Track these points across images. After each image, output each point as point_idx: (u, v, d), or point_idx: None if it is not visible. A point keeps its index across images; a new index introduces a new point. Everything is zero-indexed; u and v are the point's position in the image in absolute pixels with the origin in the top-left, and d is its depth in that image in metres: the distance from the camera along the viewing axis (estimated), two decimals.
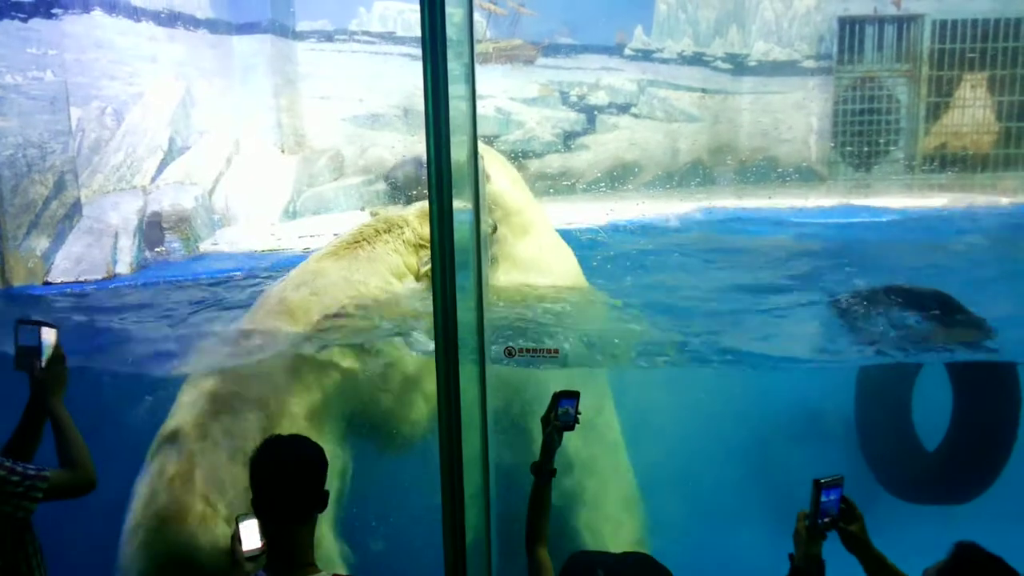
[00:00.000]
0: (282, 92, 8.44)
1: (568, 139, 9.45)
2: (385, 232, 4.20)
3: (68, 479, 2.73)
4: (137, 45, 6.56)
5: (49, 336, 2.89)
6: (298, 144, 8.63)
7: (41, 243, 5.45)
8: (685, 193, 9.09)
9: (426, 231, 3.85)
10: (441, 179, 2.82)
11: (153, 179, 6.52)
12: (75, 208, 5.75)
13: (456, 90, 2.91)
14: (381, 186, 8.72)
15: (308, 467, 2.33)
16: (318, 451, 2.38)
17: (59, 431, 2.83)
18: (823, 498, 2.35)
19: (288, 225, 7.41)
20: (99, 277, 5.49)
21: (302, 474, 2.31)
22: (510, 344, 3.25)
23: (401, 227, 4.23)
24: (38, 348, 2.87)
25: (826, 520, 2.36)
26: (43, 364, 2.87)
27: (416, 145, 8.93)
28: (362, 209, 8.26)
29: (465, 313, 3.01)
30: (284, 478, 2.28)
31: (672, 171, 9.57)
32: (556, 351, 3.23)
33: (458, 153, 2.92)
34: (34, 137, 5.50)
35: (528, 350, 3.23)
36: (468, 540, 2.88)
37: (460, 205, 2.95)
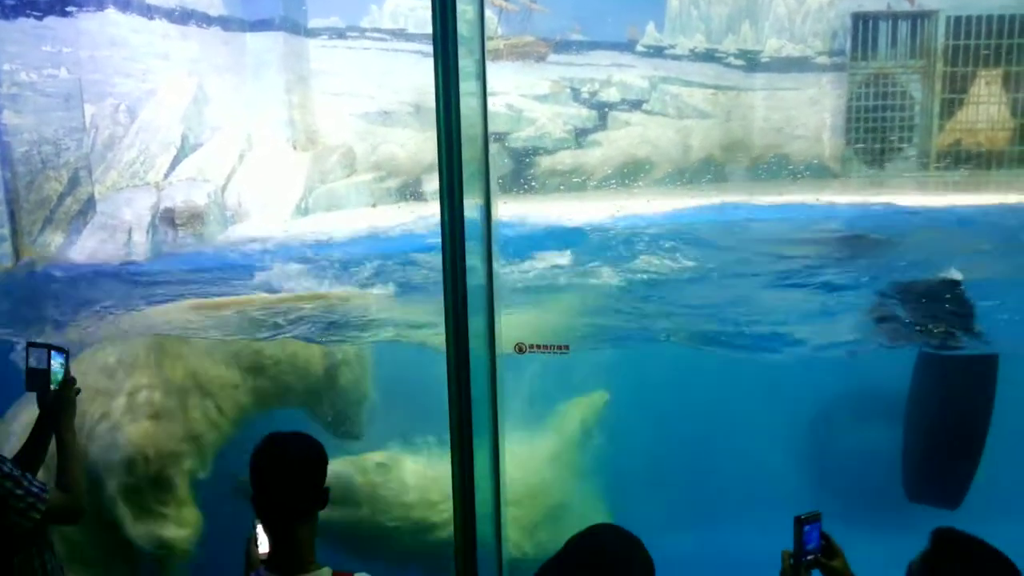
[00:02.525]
0: (294, 89, 8.46)
1: (579, 136, 9.43)
2: None
3: (63, 504, 2.70)
4: (150, 42, 6.59)
5: (59, 360, 2.91)
6: (310, 141, 8.65)
7: (56, 238, 5.50)
8: (696, 190, 9.06)
9: None
10: (452, 176, 2.83)
11: (166, 175, 6.56)
12: (89, 204, 5.80)
13: (467, 87, 2.91)
14: (392, 183, 8.75)
15: (309, 464, 2.29)
16: (318, 448, 2.33)
17: (63, 455, 2.82)
18: (804, 535, 2.34)
19: (300, 221, 7.43)
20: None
21: (303, 471, 2.28)
22: (520, 341, 3.25)
23: None
24: (47, 371, 2.88)
25: (808, 558, 2.35)
26: (52, 387, 2.88)
27: (426, 143, 8.95)
28: (373, 206, 8.29)
29: (475, 312, 3.02)
30: (285, 475, 2.25)
31: (684, 168, 9.54)
32: (567, 347, 3.22)
33: (469, 150, 2.92)
34: (49, 134, 5.55)
35: (539, 346, 3.23)
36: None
37: (470, 202, 2.95)
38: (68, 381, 2.91)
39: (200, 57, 7.30)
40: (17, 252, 5.34)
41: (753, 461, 5.03)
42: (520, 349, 3.24)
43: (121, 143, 6.21)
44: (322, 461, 2.31)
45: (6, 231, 5.34)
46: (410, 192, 8.65)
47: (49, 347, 2.90)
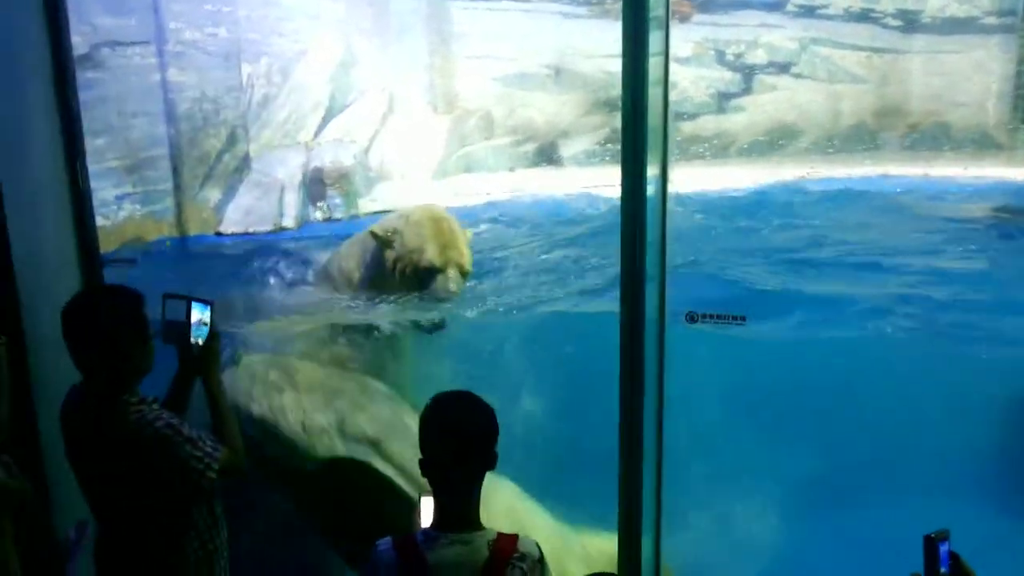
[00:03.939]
0: (436, 51, 8.45)
1: (723, 100, 9.08)
2: None
3: (231, 460, 2.74)
4: (302, 2, 6.69)
5: (202, 311, 2.89)
6: (450, 104, 8.64)
7: (214, 195, 5.68)
8: (848, 158, 8.60)
9: None
10: (636, 143, 2.71)
11: (315, 135, 6.68)
12: (245, 162, 5.96)
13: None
14: (529, 147, 8.67)
15: (487, 425, 2.30)
16: (488, 409, 2.33)
17: (217, 410, 2.84)
18: (937, 554, 2.14)
19: (440, 183, 7.46)
20: (267, 229, 5.68)
21: (483, 432, 2.28)
22: (692, 310, 3.11)
23: None
24: (187, 323, 2.86)
25: None
26: (195, 340, 2.87)
27: (564, 106, 8.82)
28: (511, 170, 8.24)
29: (650, 282, 2.91)
30: (456, 438, 2.25)
31: (833, 135, 9.07)
32: (743, 317, 3.06)
33: (652, 117, 2.79)
34: (209, 92, 5.71)
35: (713, 316, 3.08)
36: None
37: (651, 171, 2.84)
38: (214, 333, 2.91)
39: (347, 18, 7.36)
40: (179, 207, 5.55)
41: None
42: (692, 318, 3.10)
43: (275, 102, 6.35)
44: (493, 422, 2.30)
45: (169, 186, 5.54)
46: (546, 157, 8.55)
47: (189, 298, 2.86)
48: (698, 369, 3.71)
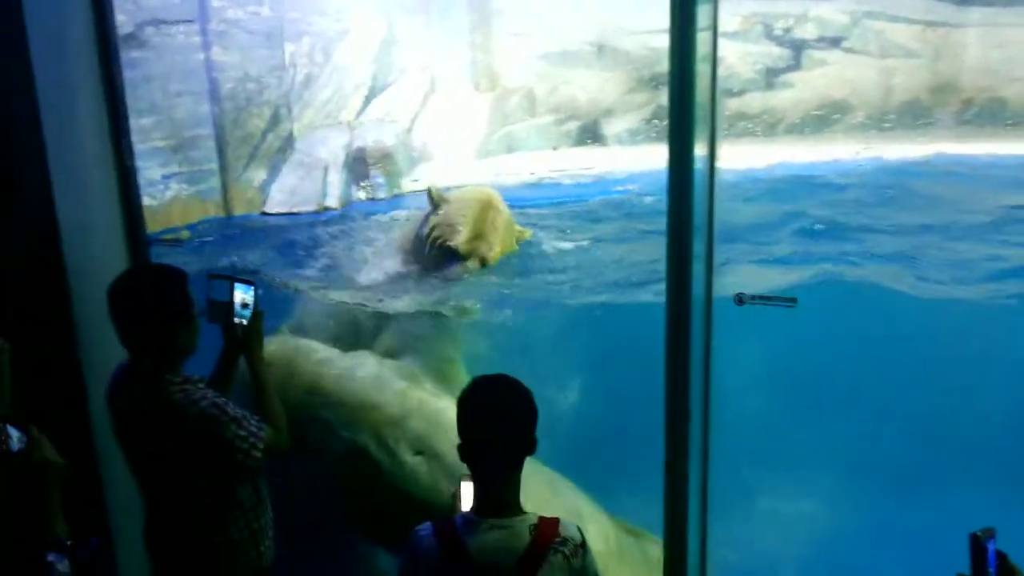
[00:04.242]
0: (477, 29, 8.38)
1: (770, 76, 8.88)
2: None
3: (274, 439, 2.74)
4: None
5: (246, 292, 2.89)
6: (491, 82, 8.58)
7: (259, 175, 5.71)
8: (901, 135, 8.36)
9: None
10: (683, 120, 2.63)
11: (358, 115, 6.67)
12: (288, 142, 5.97)
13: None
14: (572, 125, 8.57)
15: (524, 409, 2.25)
16: (528, 393, 2.29)
17: (261, 389, 2.84)
18: (985, 553, 2.04)
19: (482, 163, 7.42)
20: (311, 209, 5.70)
21: (520, 416, 2.24)
22: (741, 292, 3.03)
23: None
24: (230, 303, 2.87)
25: None
26: (238, 320, 2.88)
27: (607, 84, 8.69)
28: (554, 149, 8.16)
29: (697, 262, 2.84)
30: (496, 422, 2.22)
31: (885, 112, 8.82)
32: (794, 300, 2.96)
33: (698, 92, 2.71)
34: (252, 71, 5.72)
35: (762, 297, 2.99)
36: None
37: (698, 150, 2.75)
38: (258, 313, 2.91)
39: None
40: (225, 187, 5.58)
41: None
42: (740, 300, 3.02)
43: (317, 82, 6.35)
44: (532, 406, 2.27)
45: (214, 166, 5.58)
46: (589, 135, 8.45)
47: (232, 278, 2.88)
48: (747, 353, 3.62)
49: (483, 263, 4.50)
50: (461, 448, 2.25)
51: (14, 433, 2.18)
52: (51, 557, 2.16)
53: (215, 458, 2.62)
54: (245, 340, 2.89)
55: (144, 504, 2.83)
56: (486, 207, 4.54)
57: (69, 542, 2.19)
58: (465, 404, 2.26)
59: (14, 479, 2.17)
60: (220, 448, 2.60)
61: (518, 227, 4.89)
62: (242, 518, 2.77)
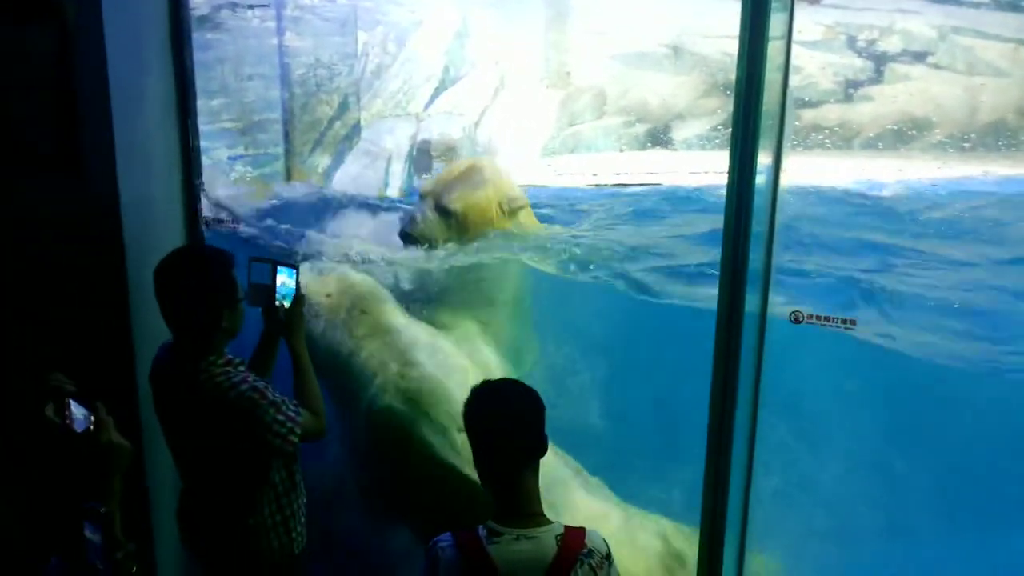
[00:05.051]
0: (552, 26, 8.32)
1: (850, 88, 8.62)
2: None
3: (312, 425, 2.77)
4: None
5: (288, 275, 2.92)
6: (562, 80, 8.51)
7: (323, 160, 5.75)
8: (984, 156, 8.04)
9: None
10: (748, 130, 2.55)
11: (425, 107, 6.68)
12: (355, 130, 6.00)
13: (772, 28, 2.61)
14: (640, 128, 8.45)
15: (527, 411, 2.27)
16: (534, 393, 2.31)
17: (301, 373, 2.88)
18: None
19: (547, 161, 7.36)
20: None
21: (522, 418, 2.25)
22: (797, 309, 2.92)
23: None
24: (272, 286, 2.90)
25: None
26: (279, 303, 2.91)
27: (680, 88, 8.55)
28: (620, 151, 8.06)
29: (752, 277, 2.75)
30: (506, 423, 2.23)
31: (968, 131, 8.48)
32: (854, 321, 2.85)
33: (768, 100, 2.62)
34: (324, 58, 5.75)
35: (820, 317, 2.88)
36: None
37: (762, 160, 2.67)
38: (300, 297, 2.92)
39: None
40: (289, 172, 5.63)
41: None
42: (796, 318, 2.92)
43: (388, 72, 6.38)
44: (540, 406, 2.29)
45: (280, 150, 5.63)
46: (658, 139, 8.32)
47: (274, 261, 2.92)
48: (800, 374, 3.50)
49: (441, 210, 4.13)
50: (474, 457, 2.24)
51: (78, 412, 2.14)
52: (87, 530, 2.17)
53: (252, 441, 2.64)
54: (287, 323, 2.91)
55: (180, 483, 2.87)
56: (470, 168, 4.30)
57: (103, 510, 2.20)
58: (471, 412, 2.27)
59: (78, 459, 2.16)
60: (258, 431, 2.62)
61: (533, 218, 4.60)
62: (275, 502, 2.79)
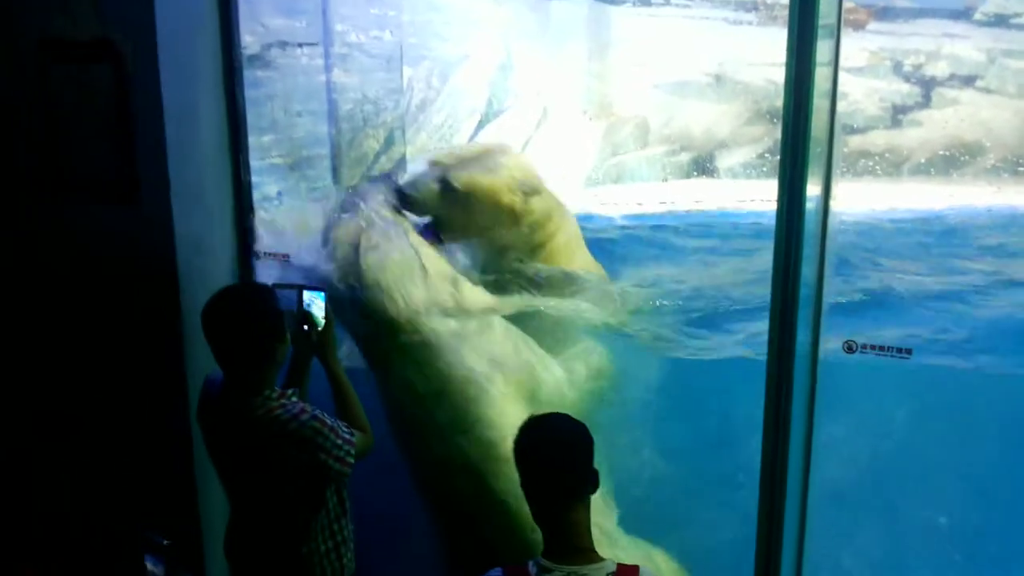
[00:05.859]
0: (593, 57, 8.38)
1: (898, 114, 8.52)
2: None
3: (363, 444, 2.82)
4: (468, 8, 6.77)
5: (318, 298, 2.98)
6: (604, 111, 8.54)
7: None
8: None
9: None
10: (796, 157, 2.53)
11: (470, 139, 6.74)
12: (400, 164, 6.06)
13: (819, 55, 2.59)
14: (684, 157, 8.43)
15: (574, 445, 2.26)
16: (582, 427, 2.31)
17: (342, 393, 2.93)
18: None
19: (590, 192, 7.37)
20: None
21: (570, 452, 2.24)
22: (851, 339, 2.87)
23: None
24: (300, 312, 2.98)
25: None
26: (309, 327, 2.98)
27: (723, 116, 8.52)
28: (664, 180, 8.04)
29: (803, 307, 2.71)
30: (552, 458, 2.23)
31: (1021, 155, 8.32)
32: (910, 351, 2.79)
33: (816, 127, 2.61)
34: (371, 94, 5.85)
35: (875, 347, 2.83)
36: None
37: (812, 189, 2.64)
38: (330, 320, 3.00)
39: (509, 23, 7.40)
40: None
41: None
42: (850, 348, 2.86)
43: (432, 106, 6.46)
44: (588, 440, 2.29)
45: (328, 183, 5.72)
46: (702, 168, 8.29)
47: (301, 287, 2.97)
48: (854, 405, 3.42)
49: (443, 184, 3.88)
50: (524, 491, 2.24)
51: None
52: (148, 561, 2.21)
53: (315, 468, 2.67)
54: (320, 345, 2.96)
55: (230, 514, 2.89)
56: (488, 151, 4.13)
57: (165, 543, 2.24)
58: (520, 447, 2.27)
59: None
60: (321, 458, 2.65)
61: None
62: (327, 528, 2.81)
